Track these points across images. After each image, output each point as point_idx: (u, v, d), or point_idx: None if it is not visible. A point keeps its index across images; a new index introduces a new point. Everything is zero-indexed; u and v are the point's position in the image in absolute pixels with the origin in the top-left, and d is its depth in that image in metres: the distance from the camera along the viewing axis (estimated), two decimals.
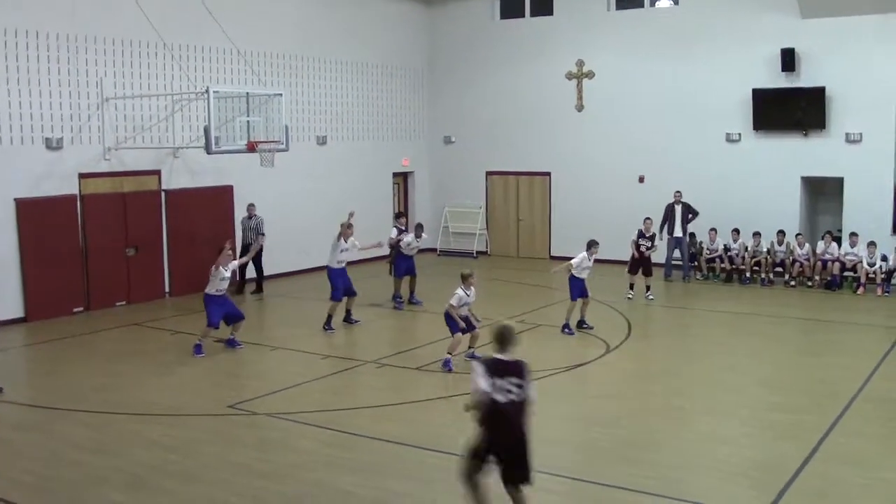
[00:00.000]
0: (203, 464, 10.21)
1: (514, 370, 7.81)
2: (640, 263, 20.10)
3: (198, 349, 15.18)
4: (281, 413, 12.03)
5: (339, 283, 17.16)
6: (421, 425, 11.58)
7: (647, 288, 20.06)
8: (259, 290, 21.09)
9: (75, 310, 18.72)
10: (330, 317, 17.11)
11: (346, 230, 17.34)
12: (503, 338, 7.94)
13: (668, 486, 9.34)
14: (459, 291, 14.28)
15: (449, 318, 14.37)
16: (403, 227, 19.86)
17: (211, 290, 15.37)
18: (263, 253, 20.30)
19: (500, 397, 7.71)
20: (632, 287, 20.11)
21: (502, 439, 7.79)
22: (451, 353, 14.15)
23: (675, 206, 22.32)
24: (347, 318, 17.60)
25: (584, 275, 16.71)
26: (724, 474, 9.78)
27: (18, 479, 9.66)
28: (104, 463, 10.24)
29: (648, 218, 20.67)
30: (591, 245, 16.80)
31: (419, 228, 19.75)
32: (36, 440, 11.34)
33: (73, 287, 18.67)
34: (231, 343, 15.67)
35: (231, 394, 13.01)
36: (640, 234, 20.24)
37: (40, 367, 15.32)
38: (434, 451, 10.45)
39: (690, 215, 22.31)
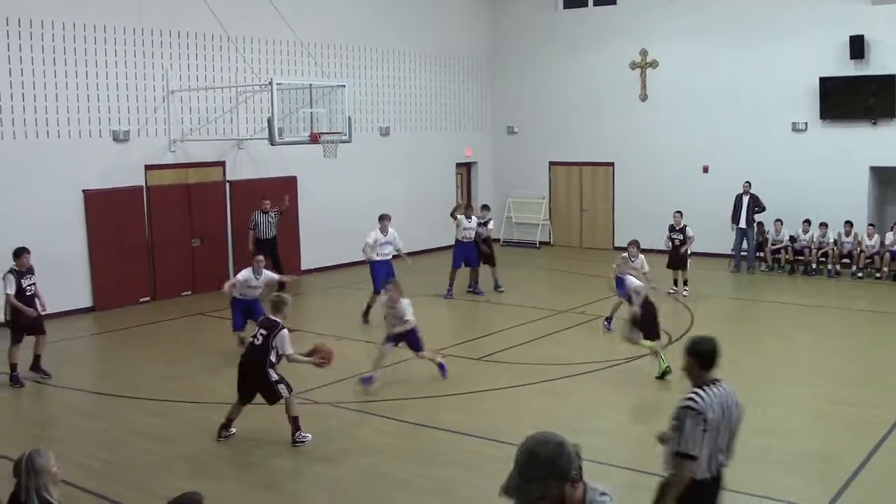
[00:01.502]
0: (265, 452, 10.37)
1: (269, 326, 10.61)
2: (674, 258, 19.80)
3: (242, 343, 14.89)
4: (342, 402, 12.16)
5: (382, 276, 16.64)
6: (480, 415, 11.60)
7: (685, 282, 19.64)
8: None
9: (142, 299, 19.08)
10: (369, 307, 17.08)
11: (383, 223, 17.31)
12: (274, 305, 10.78)
13: (728, 477, 9.21)
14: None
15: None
16: (481, 218, 19.74)
17: (236, 293, 15.03)
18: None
19: (251, 339, 10.77)
20: (675, 282, 19.81)
21: (240, 368, 10.76)
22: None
23: (743, 197, 22.00)
24: None
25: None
26: (787, 466, 9.66)
27: (86, 465, 9.86)
28: (168, 451, 10.44)
29: (678, 212, 20.12)
30: (630, 245, 16.69)
31: (469, 209, 19.67)
32: (102, 427, 11.61)
33: (139, 277, 19.03)
34: None
35: (292, 383, 13.11)
36: (671, 228, 19.91)
37: (107, 356, 15.67)
38: (492, 440, 10.48)
39: (757, 208, 21.95)
